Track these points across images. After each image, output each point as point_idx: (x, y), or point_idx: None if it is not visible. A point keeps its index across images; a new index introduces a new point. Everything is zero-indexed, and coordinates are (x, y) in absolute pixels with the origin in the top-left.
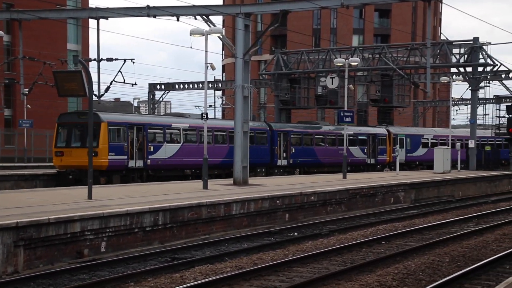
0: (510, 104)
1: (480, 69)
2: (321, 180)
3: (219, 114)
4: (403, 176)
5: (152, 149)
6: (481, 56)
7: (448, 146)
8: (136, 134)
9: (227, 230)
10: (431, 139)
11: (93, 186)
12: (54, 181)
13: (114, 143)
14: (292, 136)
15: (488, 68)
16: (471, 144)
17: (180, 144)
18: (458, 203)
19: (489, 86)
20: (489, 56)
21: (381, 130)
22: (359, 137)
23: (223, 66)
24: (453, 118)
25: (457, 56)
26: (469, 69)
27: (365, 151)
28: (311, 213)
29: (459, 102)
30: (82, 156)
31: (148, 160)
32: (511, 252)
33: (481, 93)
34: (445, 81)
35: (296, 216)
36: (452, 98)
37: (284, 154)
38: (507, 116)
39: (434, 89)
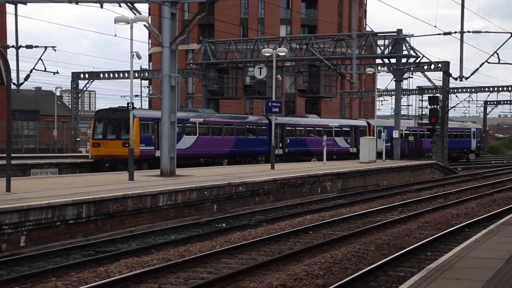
0: (432, 95)
1: (403, 60)
2: (249, 171)
3: (145, 104)
4: (330, 166)
5: None
6: (404, 48)
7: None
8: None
9: (154, 222)
10: (405, 130)
11: (14, 178)
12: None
13: (144, 135)
14: (287, 128)
15: (411, 60)
16: (395, 134)
17: (196, 136)
18: (383, 192)
19: (412, 77)
20: (412, 48)
21: (361, 122)
22: (343, 129)
23: (150, 55)
24: (378, 109)
25: (382, 48)
26: (393, 61)
27: (349, 141)
28: (239, 204)
29: (384, 93)
30: (117, 146)
31: None
32: (432, 240)
33: (404, 84)
34: (371, 72)
35: (224, 207)
36: (377, 88)
37: (281, 144)
38: (429, 106)
39: (360, 80)
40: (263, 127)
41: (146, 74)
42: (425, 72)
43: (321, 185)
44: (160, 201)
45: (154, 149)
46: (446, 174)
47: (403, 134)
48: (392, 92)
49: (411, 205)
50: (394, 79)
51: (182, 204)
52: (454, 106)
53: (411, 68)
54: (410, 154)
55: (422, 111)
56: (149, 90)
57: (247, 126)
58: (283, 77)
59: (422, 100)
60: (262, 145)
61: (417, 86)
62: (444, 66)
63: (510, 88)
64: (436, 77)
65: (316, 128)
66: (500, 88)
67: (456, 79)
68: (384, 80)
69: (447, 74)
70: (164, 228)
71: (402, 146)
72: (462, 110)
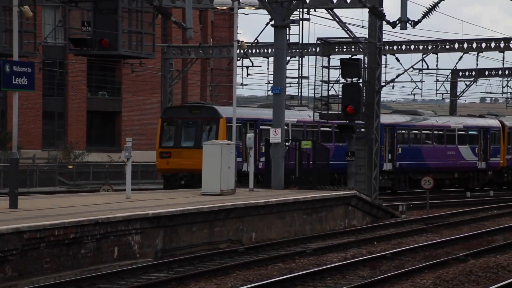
0: (348, 57)
1: None
2: None
3: None
4: (140, 203)
5: None
6: None
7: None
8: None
9: None
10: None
11: None
12: None
13: None
14: None
15: None
16: (275, 136)
17: None
18: (248, 256)
19: (309, 19)
20: None
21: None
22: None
23: None
24: (242, 84)
25: None
26: None
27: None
28: None
29: (256, 51)
30: (195, 157)
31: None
32: None
33: (294, 33)
34: (224, 8)
35: None
36: (240, 42)
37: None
38: (341, 80)
39: (205, 26)
40: None
41: None
42: (335, 10)
43: (121, 241)
44: None
45: (241, 162)
46: (376, 217)
47: (291, 137)
48: (267, 49)
49: (306, 285)
50: (273, 22)
51: None
52: (394, 79)
53: (307, 1)
54: (305, 178)
55: (328, 89)
56: None
57: None
58: (38, 10)
59: (329, 68)
60: None
61: (318, 38)
62: (371, 0)
63: (495, 44)
64: (358, 22)
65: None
66: (475, 44)
67: (393, 25)
68: (256, 26)
69: (377, 15)
70: None
71: (290, 160)
72: (409, 87)
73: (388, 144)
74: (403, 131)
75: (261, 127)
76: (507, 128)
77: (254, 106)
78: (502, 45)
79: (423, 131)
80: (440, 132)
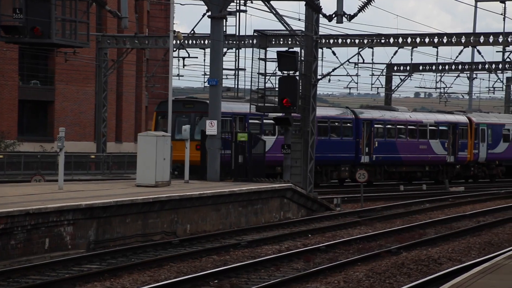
0: (285, 50)
1: None
2: None
3: None
4: (73, 194)
5: None
6: None
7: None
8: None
9: None
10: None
11: None
12: None
13: None
14: None
15: None
16: (211, 128)
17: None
18: (182, 248)
19: (246, 11)
20: None
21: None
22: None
23: None
24: (179, 75)
25: None
26: None
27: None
28: None
29: (193, 42)
30: (190, 150)
31: None
32: None
33: (232, 25)
34: None
35: None
36: (176, 32)
37: None
38: (278, 73)
39: (140, 15)
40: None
41: None
42: (272, 2)
43: (53, 233)
44: None
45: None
46: (311, 210)
47: (230, 130)
48: (202, 40)
49: (241, 277)
50: (210, 13)
51: None
52: (330, 73)
53: None
54: (241, 170)
55: (265, 82)
56: None
57: None
58: None
59: (265, 60)
60: None
61: (255, 30)
62: None
63: (429, 40)
64: (295, 15)
65: None
66: (410, 39)
67: (330, 18)
68: (193, 17)
69: (313, 8)
70: None
71: (226, 152)
72: (345, 81)
73: (365, 138)
74: (380, 126)
75: (250, 121)
76: (474, 124)
77: (242, 101)
78: (436, 40)
79: (397, 126)
80: (413, 127)
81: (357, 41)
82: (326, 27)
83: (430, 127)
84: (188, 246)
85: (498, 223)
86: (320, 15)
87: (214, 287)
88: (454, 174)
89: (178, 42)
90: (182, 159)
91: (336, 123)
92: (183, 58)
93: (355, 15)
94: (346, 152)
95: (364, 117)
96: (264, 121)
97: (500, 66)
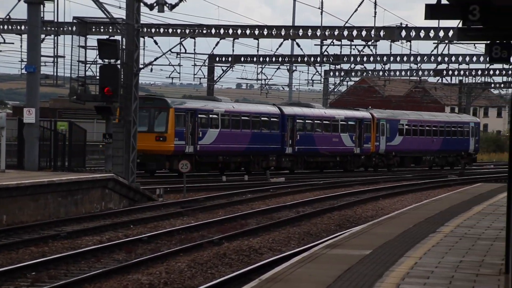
0: (106, 38)
1: None
2: None
3: None
4: None
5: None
6: None
7: None
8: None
9: None
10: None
11: None
12: None
13: (178, 129)
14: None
15: None
16: (29, 117)
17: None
18: None
19: None
20: None
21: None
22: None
23: None
24: None
25: None
26: None
27: None
28: None
29: (2, 28)
30: (148, 140)
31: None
32: None
33: (48, 12)
34: None
35: None
36: None
37: None
38: (99, 61)
39: None
40: None
41: None
42: None
43: None
44: None
45: (185, 144)
46: (133, 200)
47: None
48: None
49: (60, 268)
50: None
51: None
52: (152, 62)
53: None
54: (61, 160)
55: (86, 70)
56: None
57: None
58: None
59: (86, 48)
60: None
61: (74, 17)
62: None
63: (250, 31)
64: (116, 3)
65: None
66: (231, 30)
67: (151, 7)
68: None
69: None
70: None
71: (46, 141)
72: (167, 71)
73: (289, 131)
74: (301, 121)
75: (199, 115)
76: (376, 119)
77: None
78: (256, 32)
79: (315, 121)
80: (327, 122)
81: (179, 30)
82: (147, 16)
83: (341, 122)
84: (4, 237)
85: (316, 213)
86: (142, 4)
87: (31, 279)
88: (360, 164)
89: None
90: (144, 148)
91: (266, 118)
92: None
93: (176, 4)
94: (273, 144)
95: (288, 113)
96: (210, 115)
97: (318, 59)
